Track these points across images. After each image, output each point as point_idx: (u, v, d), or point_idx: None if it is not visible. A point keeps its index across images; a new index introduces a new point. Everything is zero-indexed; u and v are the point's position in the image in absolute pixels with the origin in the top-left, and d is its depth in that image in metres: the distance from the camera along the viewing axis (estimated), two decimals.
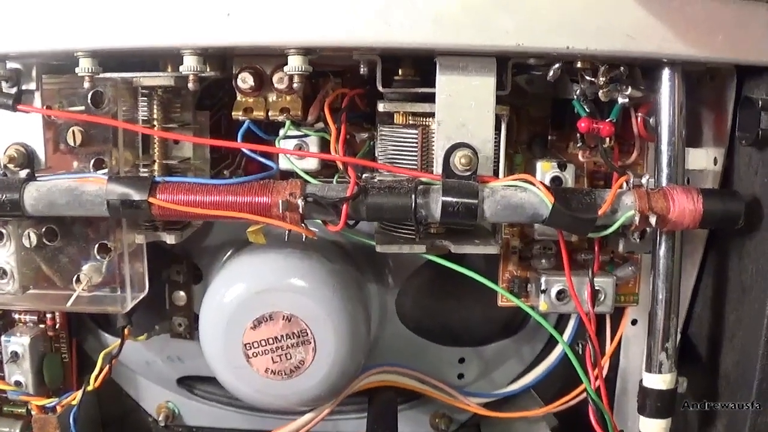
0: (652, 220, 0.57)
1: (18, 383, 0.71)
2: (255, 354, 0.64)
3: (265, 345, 0.63)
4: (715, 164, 0.65)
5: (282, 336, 0.63)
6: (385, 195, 0.57)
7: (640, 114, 0.64)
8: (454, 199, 0.56)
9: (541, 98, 0.69)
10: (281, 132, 0.64)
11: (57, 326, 0.73)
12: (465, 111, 0.58)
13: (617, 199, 0.57)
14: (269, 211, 0.57)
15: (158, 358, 0.79)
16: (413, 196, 0.56)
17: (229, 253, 0.73)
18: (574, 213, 0.57)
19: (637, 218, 0.57)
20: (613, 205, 0.57)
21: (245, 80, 0.61)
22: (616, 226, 0.57)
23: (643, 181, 0.59)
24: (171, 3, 0.54)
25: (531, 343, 0.79)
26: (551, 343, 0.77)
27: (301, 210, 0.56)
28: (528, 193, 0.57)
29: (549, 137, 0.69)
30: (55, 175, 0.60)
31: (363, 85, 0.65)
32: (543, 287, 0.67)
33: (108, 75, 0.60)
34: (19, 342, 0.70)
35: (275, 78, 0.61)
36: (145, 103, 0.63)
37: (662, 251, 0.61)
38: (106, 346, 0.75)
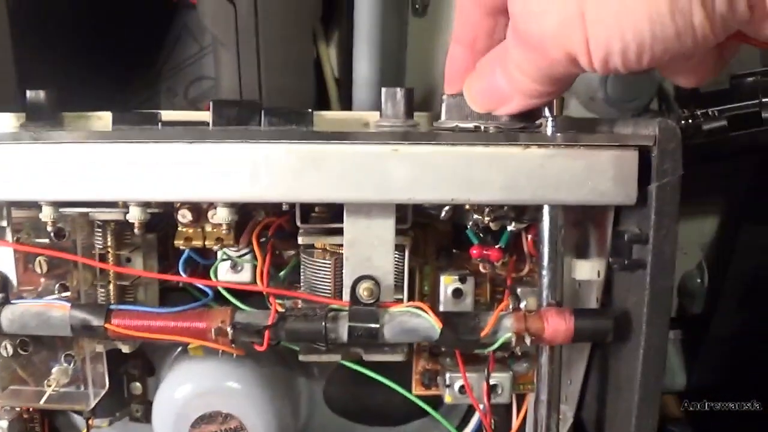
0: (527, 340, 0.67)
1: None
2: None
3: None
4: (599, 276, 0.74)
5: (221, 431, 0.74)
6: (300, 321, 0.67)
7: (530, 235, 0.74)
8: (359, 325, 0.66)
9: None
10: (219, 256, 0.74)
11: (31, 409, 0.83)
12: (369, 248, 0.68)
13: (499, 321, 0.67)
14: (204, 335, 0.68)
15: None
16: (324, 323, 0.67)
17: (178, 350, 0.83)
18: (460, 336, 0.67)
19: (513, 339, 0.67)
20: (495, 327, 0.67)
21: (185, 216, 0.71)
22: (495, 345, 0.67)
23: (522, 305, 0.70)
24: (118, 166, 0.64)
25: (449, 418, 0.88)
26: (469, 414, 0.88)
27: (230, 336, 0.67)
28: (421, 318, 0.67)
29: (453, 250, 0.79)
30: (25, 300, 0.70)
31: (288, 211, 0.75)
32: (447, 382, 0.77)
33: (68, 211, 0.70)
34: None
35: (209, 214, 0.70)
36: (100, 233, 0.73)
37: (543, 359, 0.71)
38: (73, 422, 0.86)
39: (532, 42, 0.55)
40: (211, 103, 0.71)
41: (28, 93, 0.71)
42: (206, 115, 0.71)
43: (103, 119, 0.76)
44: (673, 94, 1.02)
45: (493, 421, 0.79)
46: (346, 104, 0.92)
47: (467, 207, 0.68)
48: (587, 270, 0.75)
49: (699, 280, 1.14)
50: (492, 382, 0.76)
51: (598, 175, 0.65)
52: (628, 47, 0.50)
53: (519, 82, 0.60)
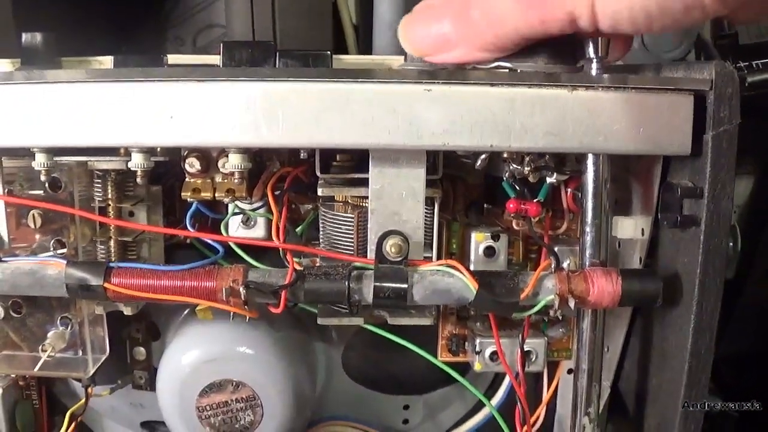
0: (571, 303, 0.61)
1: None
2: (207, 416, 0.69)
3: (216, 408, 0.69)
4: (643, 235, 0.68)
5: (232, 400, 0.69)
6: (321, 281, 0.61)
7: (569, 189, 0.68)
8: (386, 285, 0.60)
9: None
10: (230, 209, 0.68)
11: (27, 376, 0.78)
12: (397, 200, 0.62)
13: (539, 282, 0.61)
14: (214, 296, 0.61)
15: (122, 403, 0.84)
16: (347, 282, 0.60)
17: (185, 312, 0.77)
18: (497, 298, 0.61)
19: (556, 302, 0.61)
20: (535, 289, 0.61)
21: (192, 165, 0.64)
22: (536, 309, 0.61)
23: (565, 265, 0.63)
24: (119, 109, 0.58)
25: (475, 386, 0.83)
26: (496, 381, 0.82)
27: (243, 297, 0.61)
28: (454, 278, 0.61)
29: (484, 205, 0.73)
30: (17, 257, 0.64)
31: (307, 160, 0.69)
32: (477, 349, 0.71)
33: (64, 159, 0.63)
34: None
35: (219, 163, 0.64)
36: (100, 184, 0.67)
37: (585, 324, 0.64)
38: (72, 390, 0.80)
39: None
40: (221, 45, 0.65)
41: (24, 36, 0.66)
42: (216, 59, 0.65)
43: (105, 64, 0.70)
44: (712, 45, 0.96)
45: None
46: (366, 53, 0.86)
47: (505, 155, 0.61)
48: (630, 228, 0.69)
49: (732, 244, 1.09)
50: (525, 348, 0.70)
51: (650, 121, 0.58)
52: (637, 17, 0.48)
53: (478, 33, 0.55)
